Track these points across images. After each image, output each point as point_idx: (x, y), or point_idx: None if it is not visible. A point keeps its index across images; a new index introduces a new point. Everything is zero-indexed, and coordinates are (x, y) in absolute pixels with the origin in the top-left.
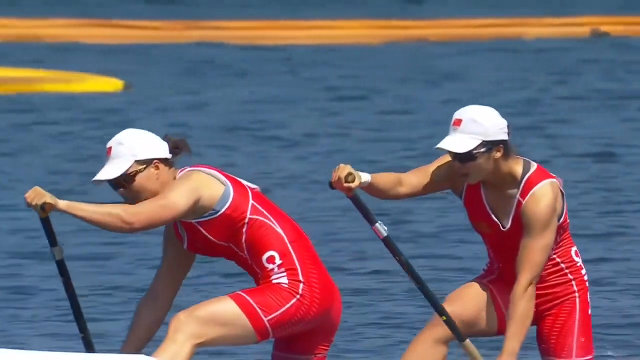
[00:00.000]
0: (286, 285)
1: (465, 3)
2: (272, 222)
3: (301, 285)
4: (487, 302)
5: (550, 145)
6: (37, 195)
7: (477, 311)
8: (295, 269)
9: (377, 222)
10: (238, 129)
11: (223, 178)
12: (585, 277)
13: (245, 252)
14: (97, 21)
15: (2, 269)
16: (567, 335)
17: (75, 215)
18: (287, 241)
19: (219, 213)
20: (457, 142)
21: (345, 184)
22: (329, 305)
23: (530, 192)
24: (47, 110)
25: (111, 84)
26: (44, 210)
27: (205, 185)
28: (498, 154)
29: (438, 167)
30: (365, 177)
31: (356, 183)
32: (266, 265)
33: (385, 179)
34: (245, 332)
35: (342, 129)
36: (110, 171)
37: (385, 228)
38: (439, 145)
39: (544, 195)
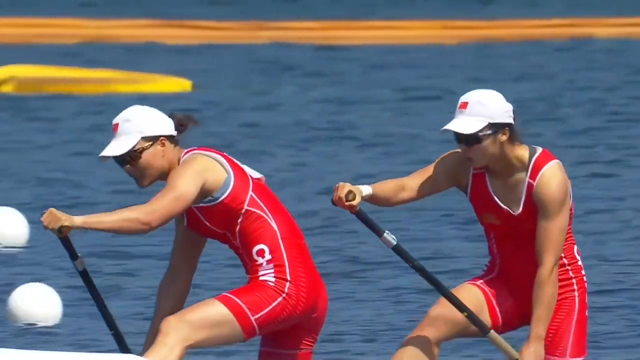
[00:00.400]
0: (272, 284)
1: (532, 3)
2: (268, 216)
3: (287, 284)
4: (479, 304)
5: (624, 145)
6: (53, 218)
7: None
8: (283, 266)
9: (384, 232)
10: (309, 129)
11: (227, 165)
12: (585, 278)
13: (238, 241)
14: (168, 22)
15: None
16: (563, 334)
17: (93, 229)
18: (279, 237)
19: (218, 200)
20: (463, 124)
21: (347, 203)
22: (315, 303)
23: (540, 173)
24: (119, 110)
25: (180, 85)
26: (62, 233)
27: (209, 170)
28: (504, 137)
29: (440, 166)
30: (366, 190)
31: (357, 200)
32: (255, 258)
33: (387, 187)
34: (234, 332)
35: (414, 129)
36: (116, 148)
37: (394, 237)
38: (445, 127)
39: (554, 174)
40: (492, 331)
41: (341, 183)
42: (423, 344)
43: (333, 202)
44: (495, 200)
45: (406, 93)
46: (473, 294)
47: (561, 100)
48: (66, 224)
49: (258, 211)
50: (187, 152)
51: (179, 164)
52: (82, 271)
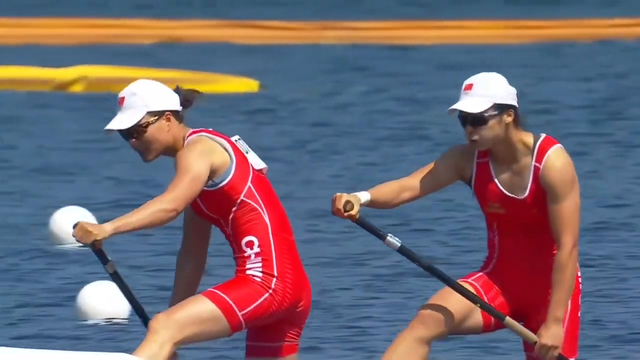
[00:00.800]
0: (259, 279)
1: (600, 3)
2: (262, 210)
3: (274, 280)
4: (471, 303)
5: None
6: (85, 233)
7: (460, 310)
8: (271, 261)
9: (387, 235)
10: (378, 129)
11: (231, 152)
12: (580, 280)
13: (229, 229)
14: (236, 22)
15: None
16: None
17: (124, 232)
18: (270, 231)
19: (217, 186)
20: (469, 104)
21: (346, 213)
22: (300, 299)
23: (546, 156)
24: (190, 113)
25: (248, 85)
26: (95, 246)
27: (216, 153)
28: (509, 119)
29: (442, 161)
30: (364, 197)
31: (356, 209)
32: (244, 248)
33: (386, 190)
34: (221, 328)
35: None
36: (122, 121)
37: (397, 239)
38: (451, 107)
39: (560, 156)
40: (507, 317)
41: (338, 194)
42: (413, 342)
43: (333, 213)
44: (499, 188)
45: None
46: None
47: (631, 99)
48: (99, 238)
49: (253, 203)
50: (193, 132)
51: (184, 142)
52: (113, 273)
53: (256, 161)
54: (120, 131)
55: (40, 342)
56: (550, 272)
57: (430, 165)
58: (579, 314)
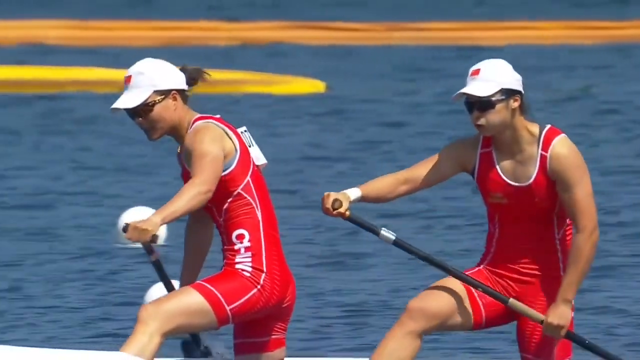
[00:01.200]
0: (248, 274)
1: None
2: (256, 205)
3: (263, 275)
4: (460, 297)
5: None
6: (141, 232)
7: (449, 305)
8: (260, 256)
9: (381, 229)
10: (449, 130)
11: (237, 143)
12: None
13: (222, 219)
14: (303, 23)
15: None
16: (548, 340)
17: (170, 222)
18: (261, 227)
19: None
20: (477, 88)
21: (335, 212)
22: (286, 295)
23: (552, 145)
24: (251, 111)
25: (314, 86)
26: (154, 241)
27: (224, 141)
28: (515, 104)
29: (444, 153)
30: (354, 193)
31: (344, 207)
32: (234, 241)
33: (379, 185)
34: (209, 321)
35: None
36: (129, 100)
37: (392, 232)
38: (459, 92)
39: (565, 143)
40: (511, 299)
41: (326, 193)
42: (403, 337)
43: (323, 212)
44: (502, 177)
45: (549, 94)
46: (453, 290)
47: None
48: (155, 232)
49: (248, 197)
50: (199, 118)
51: (188, 126)
52: (156, 261)
53: (258, 156)
54: (127, 110)
55: (117, 341)
56: (544, 266)
57: (433, 159)
58: (572, 314)
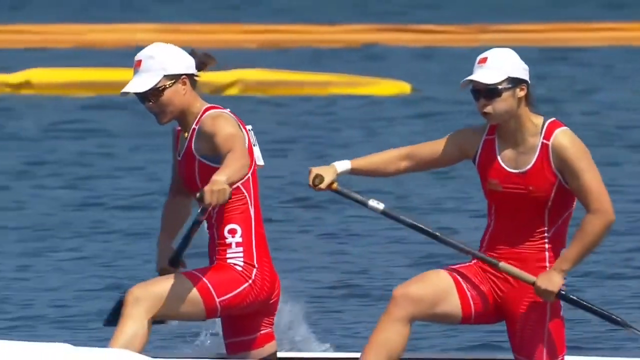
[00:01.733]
0: (240, 268)
1: None
2: (250, 202)
3: (254, 270)
4: (447, 287)
5: None
6: (220, 193)
7: (434, 292)
8: (251, 252)
9: (369, 200)
10: None
11: (246, 138)
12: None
13: (215, 211)
14: (390, 26)
15: None
16: (538, 340)
17: (233, 181)
18: (252, 223)
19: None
20: (484, 75)
21: (317, 187)
22: (274, 291)
23: (554, 134)
24: (341, 113)
25: (400, 88)
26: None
27: (240, 132)
28: (522, 93)
29: (451, 138)
30: (342, 166)
31: (326, 182)
32: (226, 235)
33: (378, 158)
34: (197, 310)
35: None
36: (139, 84)
37: (379, 202)
38: (466, 78)
39: (567, 133)
40: (502, 263)
41: (310, 168)
42: (392, 326)
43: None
44: (500, 164)
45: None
46: (440, 278)
47: None
48: (230, 190)
49: (245, 193)
50: (212, 107)
51: (199, 112)
52: (200, 222)
53: (259, 156)
54: (136, 94)
55: None
56: (533, 267)
57: (439, 140)
58: (562, 313)
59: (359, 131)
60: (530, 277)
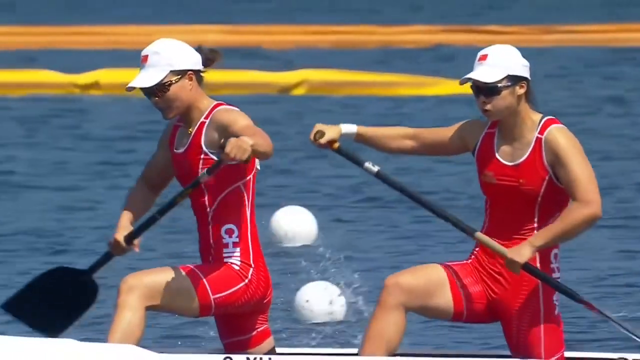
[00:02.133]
0: (237, 267)
1: None
2: (248, 202)
3: (251, 270)
4: (440, 280)
5: None
6: (243, 148)
7: (426, 283)
8: (248, 252)
9: (365, 162)
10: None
11: None
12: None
13: (212, 208)
14: (456, 27)
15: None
16: (534, 340)
17: (257, 152)
18: (249, 224)
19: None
20: (483, 73)
21: (316, 142)
22: (268, 291)
23: (548, 129)
24: (403, 113)
25: (467, 88)
26: (247, 162)
27: None
28: (521, 91)
29: (456, 128)
30: (348, 128)
31: (325, 138)
32: (223, 235)
33: (384, 130)
34: (191, 304)
35: None
36: (145, 79)
37: (375, 164)
38: (465, 77)
39: (562, 129)
40: (477, 232)
41: (316, 124)
42: (386, 315)
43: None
44: (497, 157)
45: None
46: (433, 271)
47: None
48: (250, 154)
49: (245, 193)
50: (221, 104)
51: (207, 109)
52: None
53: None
54: (143, 89)
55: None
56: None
57: (445, 128)
58: (557, 312)
59: None
60: (503, 249)
